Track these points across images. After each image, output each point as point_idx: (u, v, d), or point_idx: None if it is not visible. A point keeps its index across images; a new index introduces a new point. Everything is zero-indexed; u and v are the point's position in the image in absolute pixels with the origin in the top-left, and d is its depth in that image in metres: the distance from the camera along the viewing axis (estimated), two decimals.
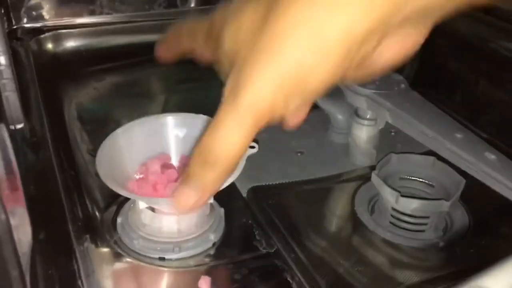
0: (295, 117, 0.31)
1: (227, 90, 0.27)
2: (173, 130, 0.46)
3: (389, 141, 0.61)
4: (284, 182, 0.54)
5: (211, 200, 0.46)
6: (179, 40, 0.36)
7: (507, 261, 0.12)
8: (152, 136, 0.45)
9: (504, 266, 0.12)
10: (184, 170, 0.31)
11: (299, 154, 0.59)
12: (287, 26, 0.24)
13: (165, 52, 0.38)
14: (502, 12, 0.68)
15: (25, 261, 0.36)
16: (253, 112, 0.25)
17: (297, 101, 0.25)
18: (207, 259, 0.43)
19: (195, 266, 0.43)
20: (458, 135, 0.47)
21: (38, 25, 0.74)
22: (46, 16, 0.74)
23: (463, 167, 0.46)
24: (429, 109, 0.53)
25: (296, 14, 0.23)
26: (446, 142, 0.47)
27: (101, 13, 0.76)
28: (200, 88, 0.70)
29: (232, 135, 0.26)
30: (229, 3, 0.30)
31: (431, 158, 0.51)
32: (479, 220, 0.50)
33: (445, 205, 0.46)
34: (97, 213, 0.47)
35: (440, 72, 0.75)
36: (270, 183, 0.54)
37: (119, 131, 0.44)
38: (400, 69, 0.75)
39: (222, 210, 0.47)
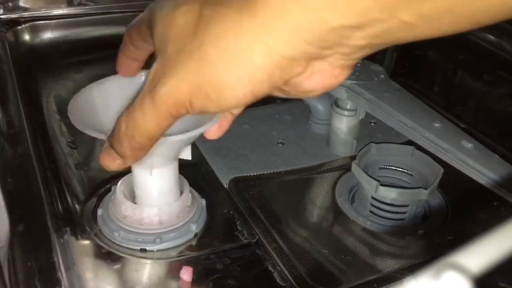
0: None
1: (150, 75, 0.29)
2: None
3: (369, 131, 0.62)
4: (265, 172, 0.54)
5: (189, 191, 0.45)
6: (135, 44, 0.35)
7: (480, 239, 0.13)
8: (129, 92, 0.40)
9: (477, 244, 0.12)
10: (112, 134, 0.32)
11: (280, 144, 0.59)
12: (214, 42, 0.25)
13: (126, 65, 0.37)
14: None
15: (3, 253, 0.35)
16: (168, 102, 0.28)
17: (211, 107, 0.27)
18: (188, 250, 0.43)
19: (177, 256, 0.43)
20: (436, 125, 0.48)
21: (14, 16, 0.72)
22: (23, 7, 0.73)
23: (441, 156, 0.46)
24: (408, 99, 0.54)
25: (225, 31, 0.25)
26: (424, 131, 0.48)
27: (79, 4, 0.75)
28: None
29: (147, 118, 0.29)
30: None
31: (410, 147, 0.52)
32: (457, 207, 0.51)
33: (423, 194, 0.47)
34: (77, 206, 0.47)
35: (419, 62, 0.76)
36: (252, 174, 0.54)
37: (93, 85, 0.40)
38: (379, 60, 0.76)
39: (203, 201, 0.47)
